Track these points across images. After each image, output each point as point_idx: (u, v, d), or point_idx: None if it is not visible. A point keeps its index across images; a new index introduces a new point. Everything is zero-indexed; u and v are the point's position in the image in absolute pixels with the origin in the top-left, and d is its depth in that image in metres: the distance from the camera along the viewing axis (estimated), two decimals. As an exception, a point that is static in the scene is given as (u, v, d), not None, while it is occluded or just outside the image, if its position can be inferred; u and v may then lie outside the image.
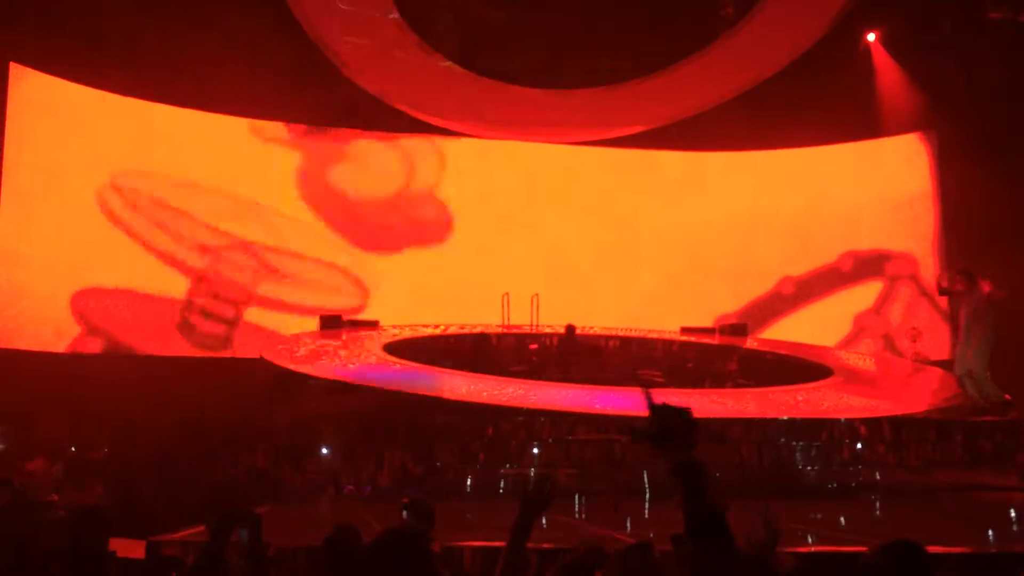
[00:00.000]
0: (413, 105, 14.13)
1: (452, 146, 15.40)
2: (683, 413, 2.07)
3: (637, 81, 14.12)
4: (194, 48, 12.21)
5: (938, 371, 12.41)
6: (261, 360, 10.56)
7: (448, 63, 14.07)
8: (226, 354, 13.56)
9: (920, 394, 11.26)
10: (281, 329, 13.28)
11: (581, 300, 15.38)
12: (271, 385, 10.09)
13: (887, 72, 14.72)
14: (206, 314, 13.76)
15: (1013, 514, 7.45)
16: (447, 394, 9.39)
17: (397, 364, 10.74)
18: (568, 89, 14.16)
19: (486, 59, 14.10)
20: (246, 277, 14.17)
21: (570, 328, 12.59)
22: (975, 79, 13.32)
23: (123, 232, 13.45)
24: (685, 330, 14.27)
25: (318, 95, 13.90)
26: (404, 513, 3.52)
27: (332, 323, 12.75)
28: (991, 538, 6.51)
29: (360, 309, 14.47)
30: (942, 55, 13.57)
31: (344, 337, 12.27)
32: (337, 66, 13.43)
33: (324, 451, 9.07)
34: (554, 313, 14.49)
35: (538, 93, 14.23)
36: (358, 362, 10.83)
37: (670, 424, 2.06)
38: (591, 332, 14.04)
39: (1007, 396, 9.64)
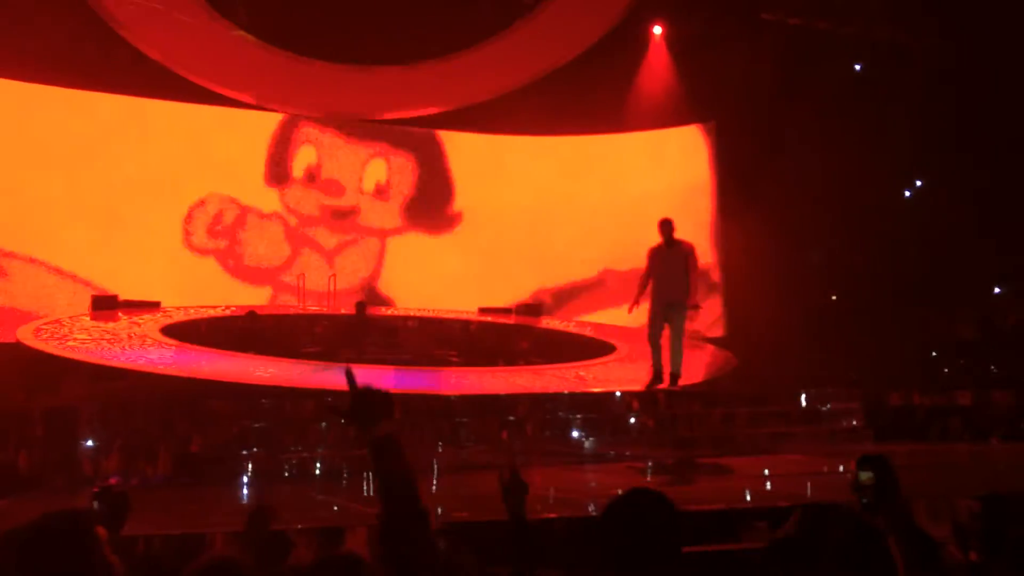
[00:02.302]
0: (199, 73, 13.34)
1: (246, 117, 14.63)
2: (381, 392, 2.14)
3: (436, 61, 14.10)
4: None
5: (710, 347, 13.31)
6: (18, 345, 9.68)
7: (240, 32, 13.45)
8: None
9: (696, 368, 12.02)
10: (44, 311, 12.19)
11: (382, 280, 15.27)
12: (29, 372, 9.27)
13: (671, 65, 15.49)
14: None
15: (767, 472, 8.13)
16: (226, 376, 8.99)
17: (176, 347, 10.18)
18: (366, 65, 13.91)
19: (280, 31, 13.59)
20: None
21: (360, 304, 12.43)
22: (751, 75, 14.25)
23: None
24: (483, 310, 14.49)
25: (94, 58, 12.84)
26: (95, 504, 3.30)
27: (106, 304, 11.89)
28: (747, 497, 7.04)
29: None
30: (721, 50, 14.42)
31: (119, 319, 11.49)
32: (114, 28, 12.48)
33: (88, 441, 8.44)
34: (355, 294, 14.28)
35: (335, 68, 13.90)
36: (132, 345, 10.16)
37: (368, 402, 2.12)
38: (389, 312, 13.95)
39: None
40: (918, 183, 15.57)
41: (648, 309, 9.28)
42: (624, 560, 2.05)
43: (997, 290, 15.37)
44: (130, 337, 10.63)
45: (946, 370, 14.31)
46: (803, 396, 10.21)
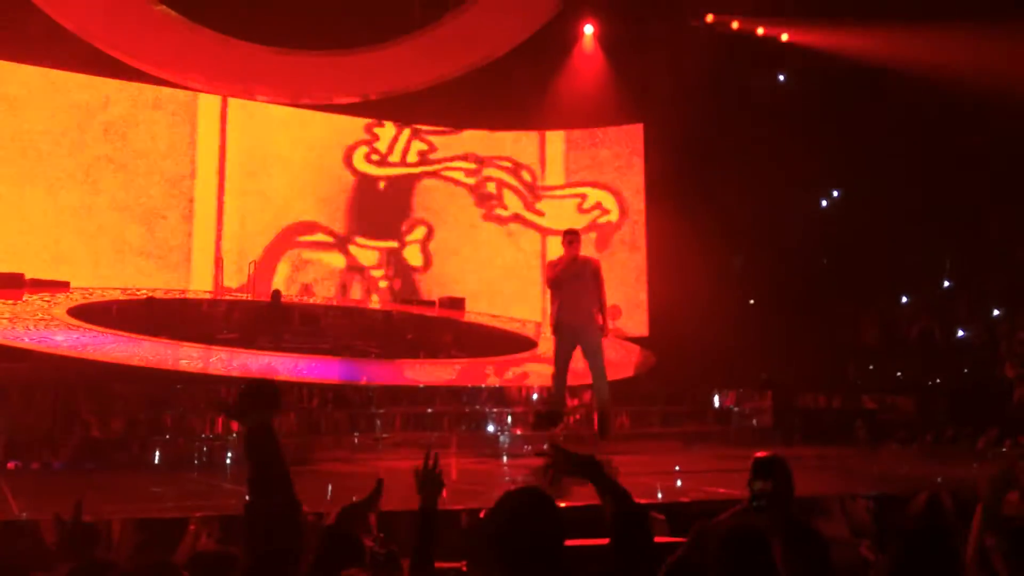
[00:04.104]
0: (118, 47, 12.86)
1: (177, 97, 14.14)
2: (269, 385, 2.21)
3: (364, 49, 13.94)
4: None
5: (635, 347, 13.52)
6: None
7: (162, 7, 13.06)
8: None
9: (617, 365, 12.18)
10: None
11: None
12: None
13: (604, 65, 15.57)
14: None
15: (677, 468, 8.29)
16: (135, 361, 8.72)
17: (84, 329, 9.84)
18: (292, 49, 13.65)
19: (206, 8, 13.25)
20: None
21: (275, 293, 12.22)
22: (681, 77, 14.41)
23: None
24: (405, 301, 14.41)
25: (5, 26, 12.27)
26: None
27: (11, 282, 11.41)
28: (659, 494, 7.17)
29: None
30: (651, 54, 14.59)
31: (24, 298, 11.05)
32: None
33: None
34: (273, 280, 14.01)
35: (261, 50, 13.59)
36: (36, 327, 9.78)
37: (254, 395, 2.16)
38: (311, 301, 13.76)
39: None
40: (835, 193, 16.04)
41: (552, 330, 7.99)
42: (507, 555, 2.07)
43: (904, 299, 15.94)
44: (35, 318, 10.24)
45: (853, 376, 14.78)
46: (716, 396, 10.44)
